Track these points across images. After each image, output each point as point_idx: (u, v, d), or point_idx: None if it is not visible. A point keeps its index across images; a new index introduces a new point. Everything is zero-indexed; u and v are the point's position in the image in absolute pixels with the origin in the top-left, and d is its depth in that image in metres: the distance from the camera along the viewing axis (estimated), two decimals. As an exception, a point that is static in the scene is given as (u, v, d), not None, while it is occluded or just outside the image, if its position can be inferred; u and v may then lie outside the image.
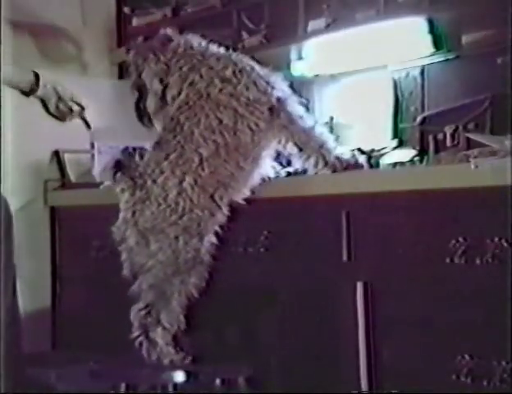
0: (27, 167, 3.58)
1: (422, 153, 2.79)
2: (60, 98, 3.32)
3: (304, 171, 2.71)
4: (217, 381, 2.61)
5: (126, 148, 2.83)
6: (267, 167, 2.71)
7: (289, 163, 2.77)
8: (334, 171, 2.64)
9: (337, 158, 2.64)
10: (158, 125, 2.81)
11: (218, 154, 2.65)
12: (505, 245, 2.16)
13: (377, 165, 2.80)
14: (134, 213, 2.74)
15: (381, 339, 2.43)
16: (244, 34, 3.35)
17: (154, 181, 2.70)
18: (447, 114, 2.86)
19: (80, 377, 2.78)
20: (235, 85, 2.66)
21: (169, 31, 2.83)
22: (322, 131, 2.71)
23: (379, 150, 2.96)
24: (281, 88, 2.71)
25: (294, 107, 2.70)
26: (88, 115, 3.52)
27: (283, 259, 2.68)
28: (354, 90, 3.36)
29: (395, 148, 3.03)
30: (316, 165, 2.66)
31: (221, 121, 2.65)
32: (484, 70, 2.88)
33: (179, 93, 2.73)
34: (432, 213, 2.32)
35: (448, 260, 2.27)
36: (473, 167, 2.21)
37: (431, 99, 3.08)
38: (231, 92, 2.66)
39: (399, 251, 2.39)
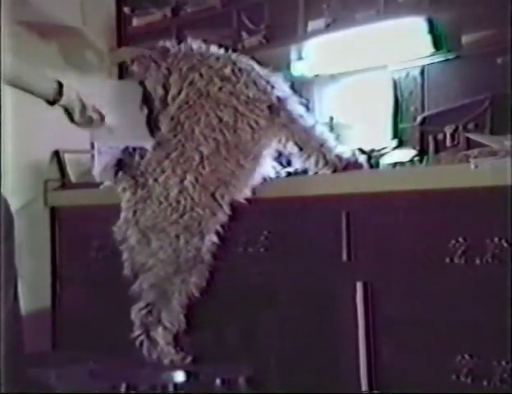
0: (27, 167, 3.59)
1: (422, 153, 2.79)
2: (84, 107, 3.33)
3: (305, 171, 2.71)
4: (217, 381, 2.61)
5: (126, 148, 2.83)
6: (268, 166, 2.71)
7: (289, 163, 2.77)
8: (334, 170, 2.64)
9: (337, 156, 2.65)
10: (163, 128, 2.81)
11: (219, 152, 2.65)
12: (505, 245, 2.16)
13: (377, 165, 2.80)
14: (135, 212, 2.74)
15: (381, 339, 2.43)
16: (244, 35, 3.36)
17: (156, 180, 2.71)
18: (447, 114, 2.87)
19: (79, 377, 2.78)
20: (235, 84, 2.67)
21: (168, 44, 2.84)
22: (322, 130, 2.71)
23: (379, 150, 2.96)
24: (282, 88, 2.71)
25: (295, 106, 2.70)
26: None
27: (283, 259, 2.68)
28: (354, 90, 3.36)
29: (395, 148, 3.03)
30: (316, 164, 2.66)
31: (221, 120, 2.65)
32: (484, 70, 2.88)
33: (179, 93, 2.73)
34: (432, 213, 2.32)
35: (448, 260, 2.27)
36: (473, 167, 2.21)
37: (431, 99, 3.08)
38: (231, 90, 2.66)
39: (399, 251, 2.39)
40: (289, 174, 2.75)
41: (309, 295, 2.61)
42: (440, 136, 2.81)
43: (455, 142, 2.75)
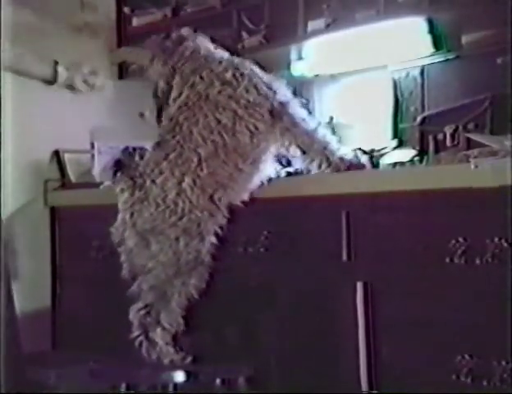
0: (27, 167, 3.58)
1: (422, 153, 2.79)
2: (85, 74, 3.33)
3: (304, 171, 2.71)
4: (217, 381, 2.61)
5: (126, 148, 2.83)
6: (268, 171, 2.71)
7: (289, 163, 2.77)
8: (338, 171, 2.64)
9: (340, 158, 2.64)
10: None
11: (217, 155, 2.65)
12: (505, 245, 2.16)
13: (377, 165, 2.80)
14: (132, 214, 2.74)
15: (381, 339, 2.43)
16: (244, 35, 3.35)
17: (153, 182, 2.70)
18: (447, 114, 2.87)
19: (80, 377, 2.78)
20: (235, 88, 2.67)
21: (184, 31, 2.84)
22: (324, 133, 2.70)
23: (379, 150, 2.96)
24: (284, 92, 2.71)
25: (297, 110, 2.70)
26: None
27: (283, 259, 2.68)
28: (354, 90, 3.36)
29: (395, 148, 3.03)
30: (319, 167, 2.65)
31: (219, 122, 2.65)
32: (484, 70, 2.88)
33: (179, 94, 2.74)
34: (432, 213, 2.32)
35: (448, 260, 2.27)
36: (473, 167, 2.21)
37: (431, 99, 3.08)
38: (231, 94, 2.67)
39: (399, 251, 2.39)
40: (289, 174, 2.75)
41: (309, 295, 2.61)
42: (440, 136, 2.81)
43: (455, 142, 2.76)
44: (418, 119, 2.97)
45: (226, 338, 2.80)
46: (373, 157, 2.82)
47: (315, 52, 3.28)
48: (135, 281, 2.77)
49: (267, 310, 2.72)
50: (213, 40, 2.88)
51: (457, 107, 2.85)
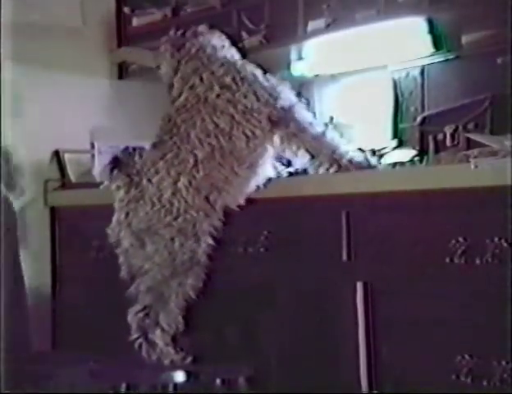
0: (27, 167, 3.58)
1: (422, 153, 2.79)
2: None
3: (304, 171, 2.71)
4: (217, 381, 2.61)
5: (126, 148, 2.83)
6: (265, 174, 2.71)
7: (289, 163, 2.77)
8: None
9: (350, 161, 2.63)
10: None
11: (213, 157, 2.66)
12: (505, 245, 2.16)
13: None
14: (127, 213, 2.74)
15: (381, 339, 2.43)
16: (244, 35, 3.35)
17: (149, 180, 2.71)
18: (447, 114, 2.87)
19: (80, 377, 2.78)
20: (234, 92, 2.68)
21: (201, 28, 2.85)
22: (333, 136, 2.70)
23: (379, 150, 2.96)
24: (287, 97, 2.71)
25: (303, 114, 2.70)
26: None
27: (283, 259, 2.68)
28: (354, 90, 3.36)
29: (395, 148, 3.03)
30: (328, 170, 2.65)
31: (217, 125, 2.66)
32: (484, 70, 2.88)
33: (179, 95, 2.74)
34: (432, 213, 2.32)
35: (448, 260, 2.27)
36: (473, 167, 2.21)
37: (431, 99, 3.08)
38: (229, 98, 2.67)
39: (399, 251, 2.39)
40: (290, 174, 2.75)
41: (309, 295, 2.61)
42: (440, 136, 2.81)
43: (455, 142, 2.75)
44: (418, 119, 2.97)
45: (226, 338, 2.80)
46: (381, 157, 2.82)
47: (315, 52, 3.28)
48: (133, 281, 2.77)
49: (267, 310, 2.72)
50: (230, 37, 2.89)
51: (457, 107, 2.85)
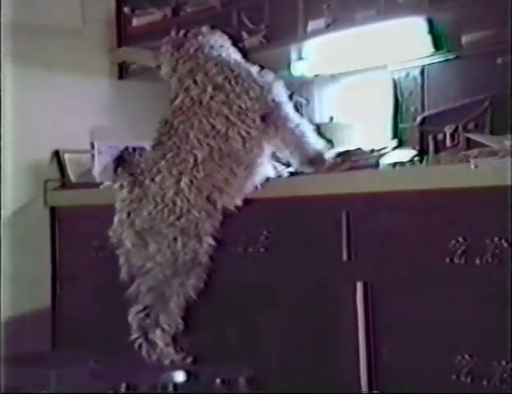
0: (27, 167, 3.58)
1: (422, 153, 2.79)
2: None
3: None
4: (217, 381, 2.61)
5: (126, 148, 2.83)
6: (264, 173, 2.72)
7: (289, 163, 2.78)
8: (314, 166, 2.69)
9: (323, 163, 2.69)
10: None
11: (212, 158, 2.67)
12: (505, 245, 2.16)
13: (377, 165, 2.80)
14: (129, 213, 2.74)
15: (381, 339, 2.43)
16: (244, 34, 3.35)
17: (152, 180, 2.71)
18: (447, 114, 2.86)
19: (80, 377, 2.78)
20: (228, 93, 2.69)
21: (204, 28, 2.85)
22: (304, 130, 2.74)
23: (379, 150, 2.96)
24: (280, 93, 2.73)
25: (291, 113, 2.73)
26: None
27: (283, 259, 2.68)
28: (354, 90, 3.36)
29: (395, 148, 3.03)
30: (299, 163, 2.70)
31: (213, 127, 2.67)
32: (484, 70, 2.88)
33: (175, 97, 2.75)
34: (432, 213, 2.32)
35: (448, 260, 2.27)
36: (472, 167, 2.21)
37: (431, 99, 3.08)
38: (223, 100, 2.69)
39: (399, 251, 2.39)
40: (291, 174, 2.76)
41: (309, 295, 2.61)
42: (440, 136, 2.80)
43: (455, 142, 2.75)
44: (418, 119, 2.96)
45: (226, 338, 2.80)
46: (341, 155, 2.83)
47: (315, 52, 3.28)
48: (133, 282, 2.77)
49: (267, 310, 2.72)
50: (231, 37, 2.89)
51: (457, 107, 2.84)
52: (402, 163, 2.72)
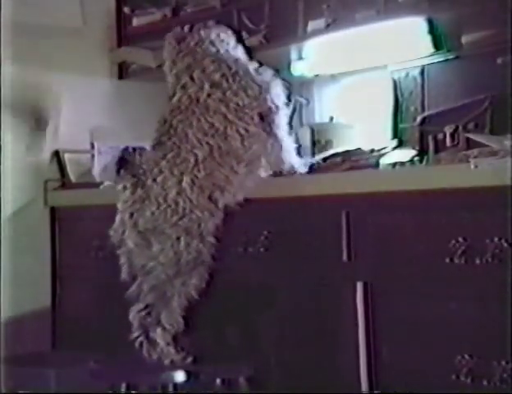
0: (27, 167, 3.58)
1: (422, 153, 2.79)
2: None
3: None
4: (217, 381, 2.61)
5: (126, 148, 2.83)
6: (265, 171, 2.73)
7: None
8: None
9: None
10: None
11: (213, 157, 2.67)
12: (505, 245, 2.16)
13: (377, 165, 2.80)
14: (131, 214, 2.74)
15: (381, 339, 2.43)
16: (244, 35, 3.35)
17: (154, 180, 2.71)
18: (447, 114, 2.86)
19: (80, 377, 2.78)
20: (225, 90, 2.69)
21: (210, 23, 2.86)
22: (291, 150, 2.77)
23: (379, 150, 2.96)
24: (277, 93, 2.73)
25: (282, 123, 2.74)
26: None
27: (283, 259, 2.68)
28: (354, 90, 3.36)
29: (395, 148, 3.03)
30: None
31: (212, 125, 2.68)
32: (484, 70, 2.88)
33: (173, 95, 2.75)
34: (432, 213, 2.32)
35: (448, 260, 2.27)
36: (472, 167, 2.21)
37: (431, 99, 3.08)
38: (220, 97, 2.69)
39: (399, 251, 2.39)
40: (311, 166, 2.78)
41: (309, 295, 2.61)
42: (440, 136, 2.81)
43: (455, 142, 2.75)
44: (418, 119, 2.97)
45: (226, 338, 2.80)
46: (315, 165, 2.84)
47: (315, 52, 3.28)
48: (134, 282, 2.77)
49: (267, 310, 2.72)
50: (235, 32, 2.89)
51: (457, 107, 2.85)
52: (402, 163, 2.72)
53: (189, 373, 2.58)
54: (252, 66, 2.77)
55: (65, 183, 3.64)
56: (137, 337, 2.73)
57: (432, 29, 2.92)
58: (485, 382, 2.19)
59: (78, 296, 3.45)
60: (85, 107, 3.68)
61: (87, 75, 3.75)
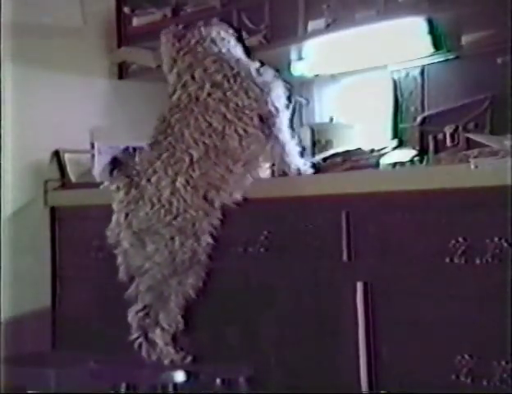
0: (27, 167, 3.58)
1: (422, 153, 2.79)
2: None
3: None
4: (217, 381, 2.61)
5: (127, 148, 2.83)
6: (264, 171, 2.73)
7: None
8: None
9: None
10: None
11: (208, 156, 2.67)
12: (505, 245, 2.16)
13: (377, 165, 2.80)
14: (127, 215, 2.74)
15: (381, 339, 2.43)
16: (244, 34, 3.35)
17: (148, 180, 2.71)
18: (447, 114, 2.86)
19: (80, 377, 2.78)
20: (225, 91, 2.69)
21: (214, 20, 2.87)
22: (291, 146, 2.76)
23: (379, 150, 2.96)
24: (278, 94, 2.73)
25: (283, 126, 2.74)
26: None
27: (283, 259, 2.68)
28: (354, 90, 3.36)
29: (395, 148, 3.03)
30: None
31: (210, 125, 2.68)
32: (484, 70, 2.88)
33: (173, 93, 2.75)
34: (432, 213, 2.32)
35: (448, 260, 2.27)
36: (472, 167, 2.21)
37: (431, 99, 3.08)
38: (220, 97, 2.69)
39: (399, 251, 2.39)
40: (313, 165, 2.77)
41: (309, 295, 2.61)
42: (440, 136, 2.81)
43: (455, 142, 2.75)
44: (418, 119, 2.97)
45: (226, 338, 2.80)
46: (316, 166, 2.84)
47: (315, 52, 3.28)
48: (132, 282, 2.77)
49: (267, 310, 2.72)
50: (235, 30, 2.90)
51: (457, 107, 2.85)
52: (402, 163, 2.72)
53: (189, 373, 2.58)
54: (253, 66, 2.77)
55: (65, 183, 3.64)
56: (136, 338, 2.73)
57: (432, 29, 2.92)
58: (485, 382, 2.19)
59: (78, 296, 3.45)
60: (85, 107, 3.68)
61: (87, 75, 3.75)
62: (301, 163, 2.74)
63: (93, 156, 3.50)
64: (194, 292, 2.73)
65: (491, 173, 2.18)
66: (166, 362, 2.71)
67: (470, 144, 2.64)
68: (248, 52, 2.88)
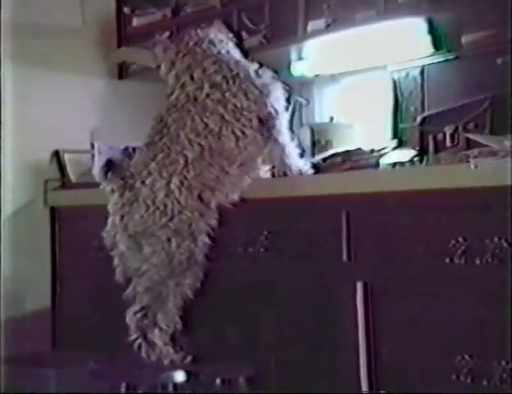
0: (27, 167, 3.58)
1: (422, 153, 2.79)
2: None
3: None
4: (217, 381, 2.61)
5: (126, 148, 2.83)
6: (261, 172, 2.73)
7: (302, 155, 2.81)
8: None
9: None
10: None
11: (203, 157, 2.68)
12: (505, 245, 2.16)
13: (377, 165, 2.80)
14: (122, 217, 2.74)
15: (381, 339, 2.43)
16: (244, 34, 3.35)
17: (143, 182, 2.71)
18: (447, 114, 2.86)
19: (79, 377, 2.78)
20: (224, 92, 2.69)
21: (217, 26, 2.87)
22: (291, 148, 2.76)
23: (379, 150, 2.96)
24: (278, 96, 2.74)
25: (283, 127, 2.75)
26: None
27: (283, 259, 2.68)
28: (354, 90, 3.36)
29: (395, 148, 3.03)
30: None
31: (206, 125, 2.68)
32: (484, 70, 2.88)
33: (171, 93, 2.75)
34: (432, 213, 2.32)
35: (448, 260, 2.27)
36: (472, 167, 2.21)
37: (431, 99, 3.08)
38: (219, 98, 2.69)
39: (399, 251, 2.39)
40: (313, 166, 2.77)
41: (309, 295, 2.61)
42: (440, 136, 2.81)
43: (455, 142, 2.75)
44: (418, 119, 2.97)
45: (226, 338, 2.80)
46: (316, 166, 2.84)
47: (315, 52, 3.28)
48: (129, 284, 2.77)
49: (266, 310, 2.72)
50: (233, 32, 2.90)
51: (457, 107, 2.85)
52: (402, 163, 2.72)
53: (189, 373, 2.58)
54: (252, 67, 2.77)
55: (65, 183, 3.64)
56: (135, 339, 2.73)
57: (432, 30, 2.92)
58: (485, 382, 2.19)
59: (78, 296, 3.45)
60: (85, 108, 3.68)
61: (87, 75, 3.75)
62: (301, 165, 2.74)
63: (93, 156, 3.50)
64: (191, 293, 2.73)
65: (491, 173, 2.18)
66: (165, 362, 2.71)
67: (470, 144, 2.64)
68: (246, 54, 2.88)
